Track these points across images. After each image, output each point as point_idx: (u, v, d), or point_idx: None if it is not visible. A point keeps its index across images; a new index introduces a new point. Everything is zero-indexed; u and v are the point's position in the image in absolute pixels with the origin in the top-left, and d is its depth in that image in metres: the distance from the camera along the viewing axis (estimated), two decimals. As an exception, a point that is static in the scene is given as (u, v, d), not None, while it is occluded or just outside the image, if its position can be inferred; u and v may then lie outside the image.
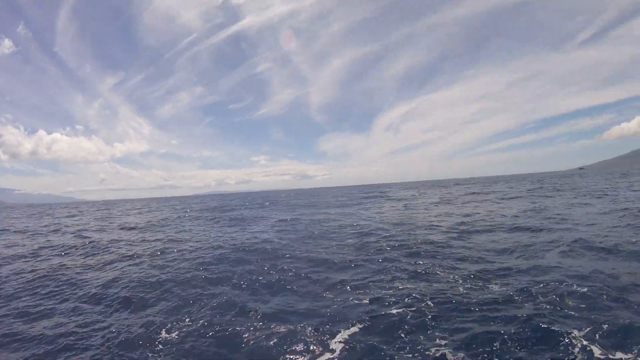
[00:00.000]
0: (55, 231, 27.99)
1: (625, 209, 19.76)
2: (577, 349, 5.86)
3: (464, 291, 8.85)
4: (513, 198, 35.26)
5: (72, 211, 66.01)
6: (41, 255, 16.93)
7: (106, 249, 17.68)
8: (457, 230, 17.66)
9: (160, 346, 7.05)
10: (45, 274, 13.12)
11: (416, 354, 6.06)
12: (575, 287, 8.35)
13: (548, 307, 7.42)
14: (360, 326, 7.29)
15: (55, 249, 18.42)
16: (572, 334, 6.25)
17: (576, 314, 7.03)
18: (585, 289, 8.15)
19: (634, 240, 12.36)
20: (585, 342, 6.01)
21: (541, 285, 8.68)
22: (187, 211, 46.75)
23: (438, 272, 10.69)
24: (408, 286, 9.50)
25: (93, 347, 7.21)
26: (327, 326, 7.39)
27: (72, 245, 19.38)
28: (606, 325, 6.46)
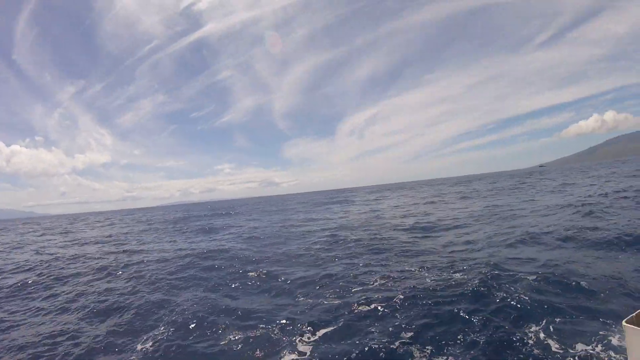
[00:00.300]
0: (18, 248, 27.12)
1: (579, 201, 20.73)
2: (532, 342, 6.09)
3: (431, 283, 9.29)
4: (475, 197, 36.36)
5: (34, 227, 63.77)
6: (5, 272, 16.46)
7: (71, 263, 17.32)
8: (421, 229, 18.34)
9: (134, 356, 7.09)
10: (12, 290, 12.84)
11: (383, 349, 6.31)
12: (530, 278, 8.80)
13: (507, 298, 7.77)
14: (333, 324, 7.52)
15: (18, 265, 17.91)
16: (530, 328, 6.54)
17: (532, 305, 7.37)
18: (541, 280, 8.60)
19: (589, 231, 13.10)
20: (542, 335, 6.25)
21: (500, 277, 9.12)
22: (152, 223, 45.95)
23: (406, 267, 11.16)
24: (377, 283, 9.88)
25: (65, 358, 7.21)
26: (299, 326, 7.60)
27: (37, 261, 18.87)
28: (559, 318, 6.79)
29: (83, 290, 11.98)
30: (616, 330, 6.21)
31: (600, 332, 6.21)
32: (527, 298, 7.67)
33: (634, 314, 2.94)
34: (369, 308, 8.10)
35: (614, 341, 5.90)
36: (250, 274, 12.21)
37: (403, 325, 7.09)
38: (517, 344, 6.10)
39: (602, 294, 7.73)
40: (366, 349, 6.30)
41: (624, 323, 2.86)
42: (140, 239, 26.71)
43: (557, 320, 6.72)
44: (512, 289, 8.27)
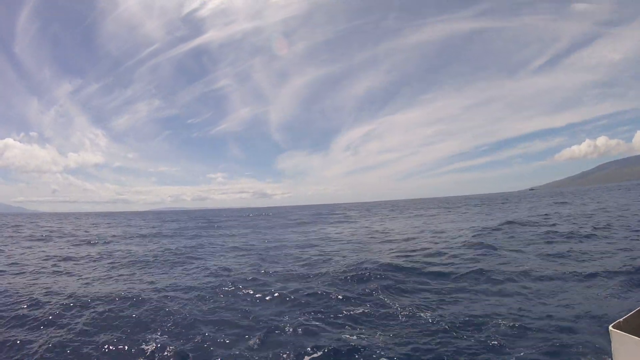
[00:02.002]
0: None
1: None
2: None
3: (404, 319, 9.47)
4: (467, 219, 37.04)
5: (27, 224, 62.93)
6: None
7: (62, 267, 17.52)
8: (407, 255, 18.37)
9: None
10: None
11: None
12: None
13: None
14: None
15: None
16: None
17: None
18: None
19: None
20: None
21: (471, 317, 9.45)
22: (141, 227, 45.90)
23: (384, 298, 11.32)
24: (357, 327, 9.74)
25: None
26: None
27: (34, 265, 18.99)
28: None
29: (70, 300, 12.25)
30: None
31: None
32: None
33: (620, 320, 2.92)
34: (350, 346, 8.07)
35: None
36: (238, 294, 12.32)
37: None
38: None
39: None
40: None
41: (610, 328, 2.82)
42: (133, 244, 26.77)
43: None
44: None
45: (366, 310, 10.23)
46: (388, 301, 10.93)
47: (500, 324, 8.64)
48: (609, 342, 2.79)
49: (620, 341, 2.67)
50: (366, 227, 38.11)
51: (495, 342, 7.71)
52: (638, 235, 19.00)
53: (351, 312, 10.15)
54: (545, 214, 35.06)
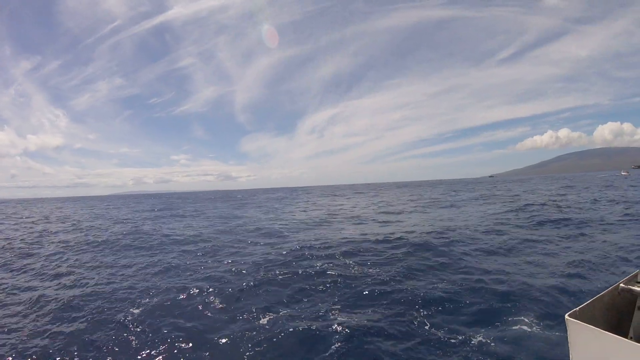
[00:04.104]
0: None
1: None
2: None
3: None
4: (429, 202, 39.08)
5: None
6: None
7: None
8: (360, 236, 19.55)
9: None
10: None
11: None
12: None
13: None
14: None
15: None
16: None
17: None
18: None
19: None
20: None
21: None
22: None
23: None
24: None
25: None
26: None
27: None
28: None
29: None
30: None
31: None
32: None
33: (577, 309, 2.89)
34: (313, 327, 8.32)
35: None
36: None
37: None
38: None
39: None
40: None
41: (567, 317, 2.76)
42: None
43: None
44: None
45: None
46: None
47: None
48: (566, 330, 2.73)
49: (576, 330, 2.71)
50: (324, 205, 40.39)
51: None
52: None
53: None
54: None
